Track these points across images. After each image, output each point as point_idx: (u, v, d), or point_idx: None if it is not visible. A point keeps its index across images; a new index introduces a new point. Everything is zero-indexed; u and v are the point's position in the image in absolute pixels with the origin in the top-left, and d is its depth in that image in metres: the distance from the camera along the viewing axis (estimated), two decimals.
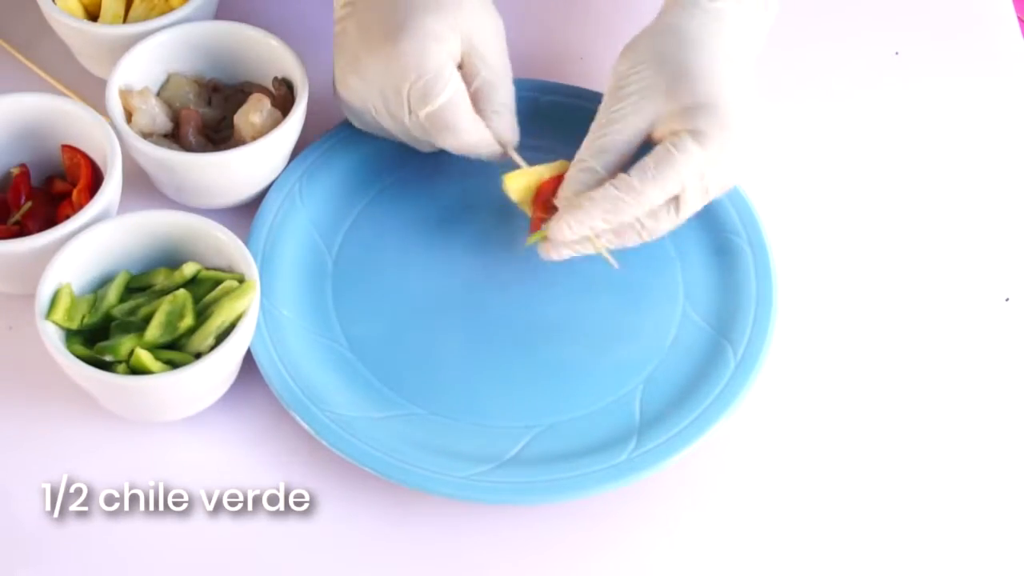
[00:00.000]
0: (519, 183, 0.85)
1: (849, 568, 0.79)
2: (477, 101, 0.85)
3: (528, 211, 0.85)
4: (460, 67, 0.85)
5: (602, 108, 0.84)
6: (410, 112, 0.84)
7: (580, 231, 0.81)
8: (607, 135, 0.82)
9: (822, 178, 0.94)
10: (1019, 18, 1.06)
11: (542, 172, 0.85)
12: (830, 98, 0.98)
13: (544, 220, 0.84)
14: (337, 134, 0.92)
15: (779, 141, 0.95)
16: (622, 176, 0.81)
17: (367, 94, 0.86)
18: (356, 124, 0.90)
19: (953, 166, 0.95)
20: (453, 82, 0.83)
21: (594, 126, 0.83)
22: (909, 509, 0.81)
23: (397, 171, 0.92)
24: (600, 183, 0.82)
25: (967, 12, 1.03)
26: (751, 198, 0.90)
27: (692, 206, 0.82)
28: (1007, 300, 0.89)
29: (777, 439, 0.83)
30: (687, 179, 0.81)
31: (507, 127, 0.86)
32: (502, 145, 0.86)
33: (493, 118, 0.85)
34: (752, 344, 0.84)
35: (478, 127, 0.84)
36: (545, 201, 0.84)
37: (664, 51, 0.83)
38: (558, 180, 0.84)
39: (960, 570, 0.79)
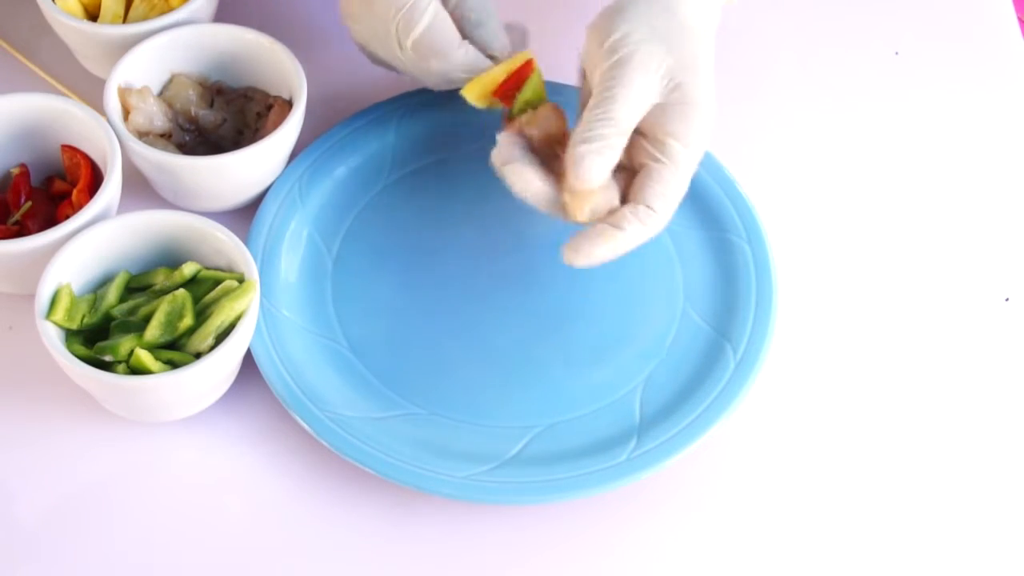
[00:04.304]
0: (477, 91, 0.85)
1: (849, 568, 0.79)
2: (458, 22, 0.86)
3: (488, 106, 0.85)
4: None
5: (604, 77, 0.80)
6: (401, 47, 0.85)
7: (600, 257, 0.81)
8: (618, 106, 0.80)
9: (822, 178, 0.94)
10: (1019, 18, 1.06)
11: (497, 74, 0.85)
12: (830, 98, 0.98)
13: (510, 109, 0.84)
14: (337, 134, 0.92)
15: (779, 140, 0.95)
16: (642, 208, 0.80)
17: (365, 35, 0.87)
18: (371, 61, 0.90)
19: (953, 166, 0.95)
20: (432, 6, 0.84)
21: (602, 99, 0.80)
22: (909, 509, 0.81)
23: (397, 171, 0.92)
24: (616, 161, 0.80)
25: (967, 12, 1.03)
26: (751, 198, 0.90)
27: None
28: (1007, 300, 0.89)
29: (777, 439, 0.83)
30: (686, 179, 0.81)
31: (492, 35, 0.86)
32: (492, 58, 0.86)
33: (477, 31, 0.86)
34: (752, 344, 0.84)
35: (465, 47, 0.85)
36: (508, 98, 0.84)
37: (656, 25, 0.81)
38: (515, 77, 0.84)
39: (960, 570, 0.79)
